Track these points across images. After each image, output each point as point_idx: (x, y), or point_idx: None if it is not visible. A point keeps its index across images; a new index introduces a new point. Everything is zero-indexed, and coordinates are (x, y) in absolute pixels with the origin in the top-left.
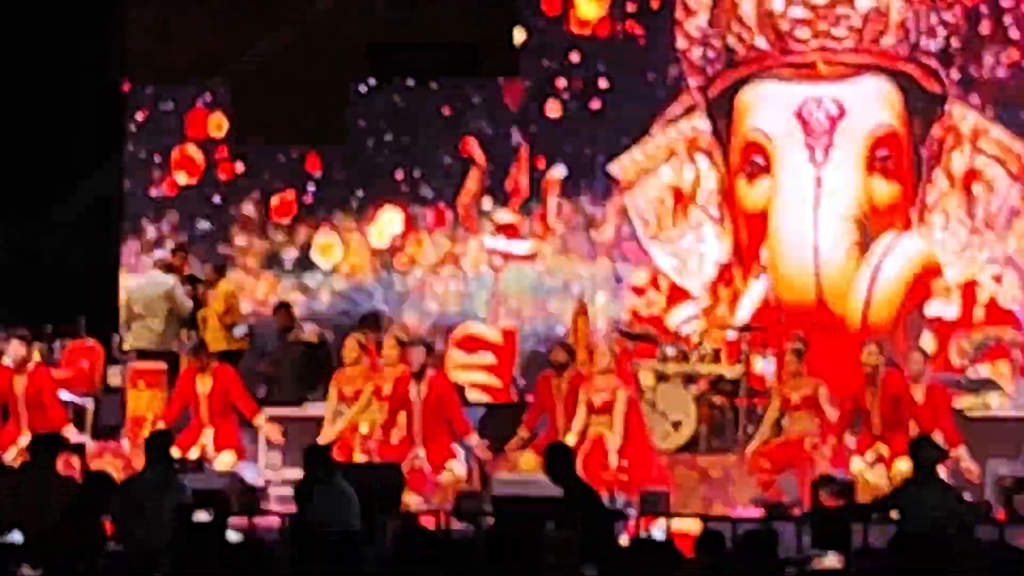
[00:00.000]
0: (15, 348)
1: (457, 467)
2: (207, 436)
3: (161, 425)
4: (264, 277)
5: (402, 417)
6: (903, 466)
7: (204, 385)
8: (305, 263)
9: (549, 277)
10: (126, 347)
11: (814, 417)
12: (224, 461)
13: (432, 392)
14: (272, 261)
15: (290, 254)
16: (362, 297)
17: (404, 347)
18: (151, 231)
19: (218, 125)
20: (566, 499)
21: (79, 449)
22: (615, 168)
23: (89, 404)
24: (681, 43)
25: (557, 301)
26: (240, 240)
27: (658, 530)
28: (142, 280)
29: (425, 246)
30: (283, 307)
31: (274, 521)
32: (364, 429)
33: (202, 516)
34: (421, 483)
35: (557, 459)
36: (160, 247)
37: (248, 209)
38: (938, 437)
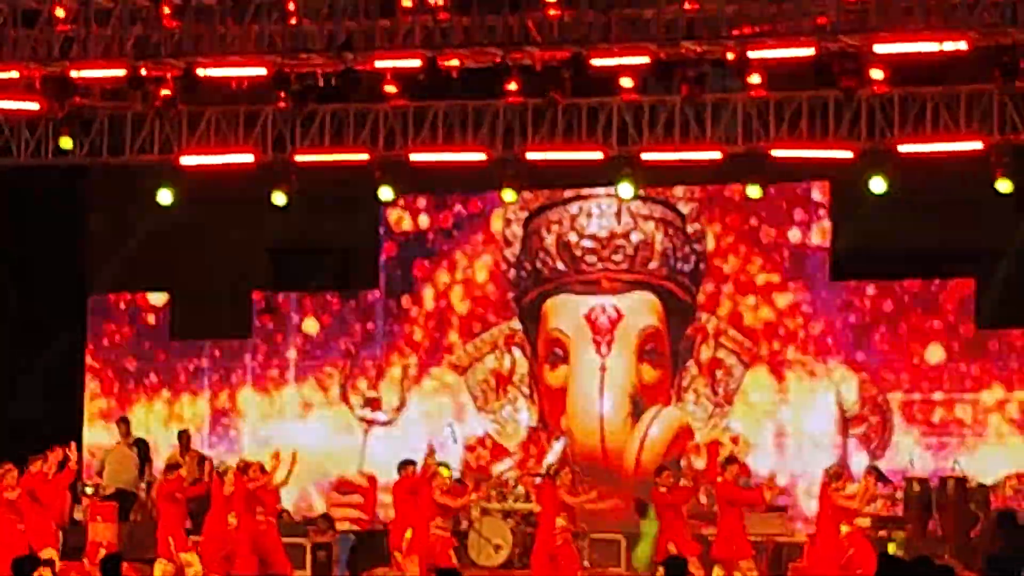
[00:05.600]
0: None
1: None
2: None
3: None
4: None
5: None
6: None
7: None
8: None
9: (403, 437)
10: (88, 491)
11: None
12: None
13: None
14: None
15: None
16: None
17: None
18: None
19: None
20: None
21: (51, 564)
22: (454, 357)
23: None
24: (502, 266)
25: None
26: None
27: None
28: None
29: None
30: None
31: None
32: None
33: None
34: None
35: None
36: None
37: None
38: None
